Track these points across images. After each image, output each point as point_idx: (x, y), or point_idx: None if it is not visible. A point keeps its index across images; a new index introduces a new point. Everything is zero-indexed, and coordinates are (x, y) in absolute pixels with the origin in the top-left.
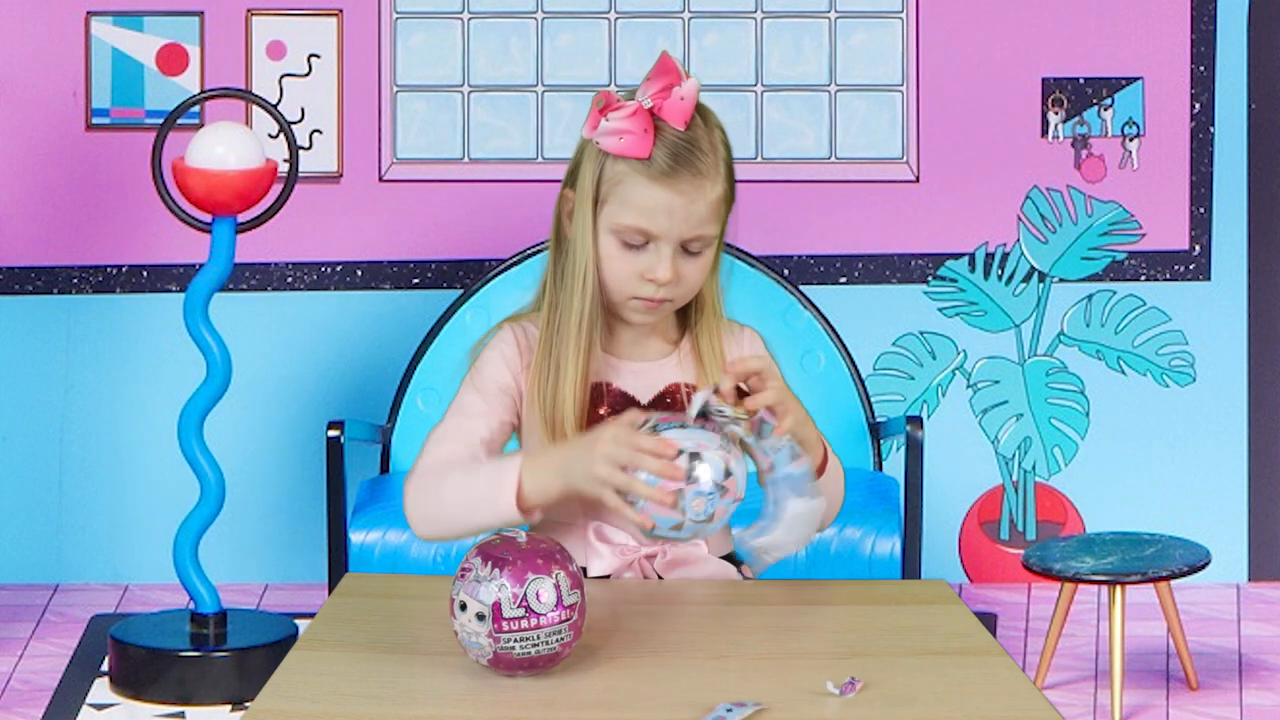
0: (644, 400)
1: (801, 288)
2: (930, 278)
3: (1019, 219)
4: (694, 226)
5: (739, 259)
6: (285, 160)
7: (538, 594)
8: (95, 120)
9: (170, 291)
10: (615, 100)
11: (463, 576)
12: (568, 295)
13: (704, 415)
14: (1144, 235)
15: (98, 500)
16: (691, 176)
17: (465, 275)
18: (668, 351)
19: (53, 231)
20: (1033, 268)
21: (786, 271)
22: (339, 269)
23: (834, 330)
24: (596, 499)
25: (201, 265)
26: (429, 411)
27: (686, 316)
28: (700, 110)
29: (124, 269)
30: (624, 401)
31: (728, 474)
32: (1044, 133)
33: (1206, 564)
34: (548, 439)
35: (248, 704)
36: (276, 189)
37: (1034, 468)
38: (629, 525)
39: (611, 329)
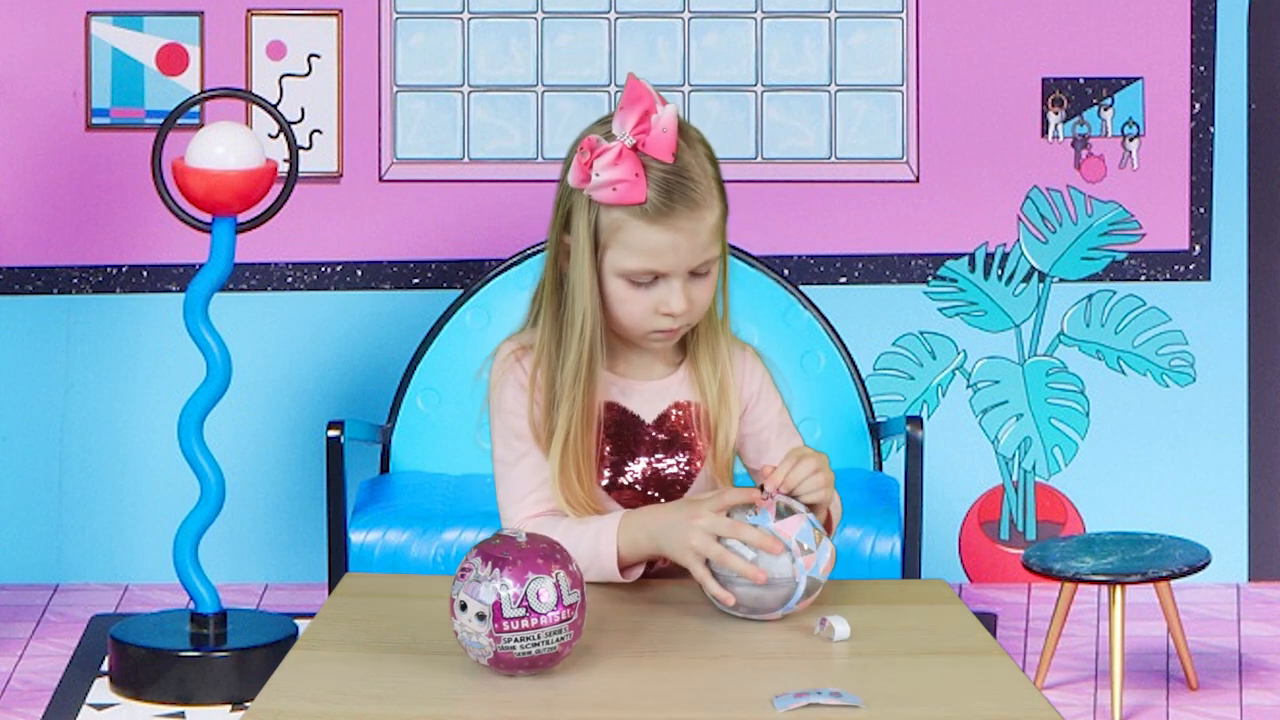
0: (648, 420)
1: (801, 288)
2: (930, 278)
3: (1019, 219)
4: (699, 254)
5: (739, 259)
6: (285, 160)
7: (538, 593)
8: (95, 120)
9: (170, 291)
10: (597, 144)
11: (463, 576)
12: (566, 343)
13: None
14: (1144, 235)
15: (98, 500)
16: (689, 210)
17: (465, 275)
18: (670, 371)
19: (53, 231)
20: (1033, 268)
21: (786, 271)
22: (339, 269)
23: (834, 330)
24: (682, 566)
25: (201, 265)
26: (429, 411)
27: (686, 335)
28: (681, 131)
29: (124, 269)
30: (629, 421)
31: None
32: (1044, 133)
33: (1206, 564)
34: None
35: (248, 704)
36: (276, 189)
37: (1034, 468)
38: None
39: (621, 351)
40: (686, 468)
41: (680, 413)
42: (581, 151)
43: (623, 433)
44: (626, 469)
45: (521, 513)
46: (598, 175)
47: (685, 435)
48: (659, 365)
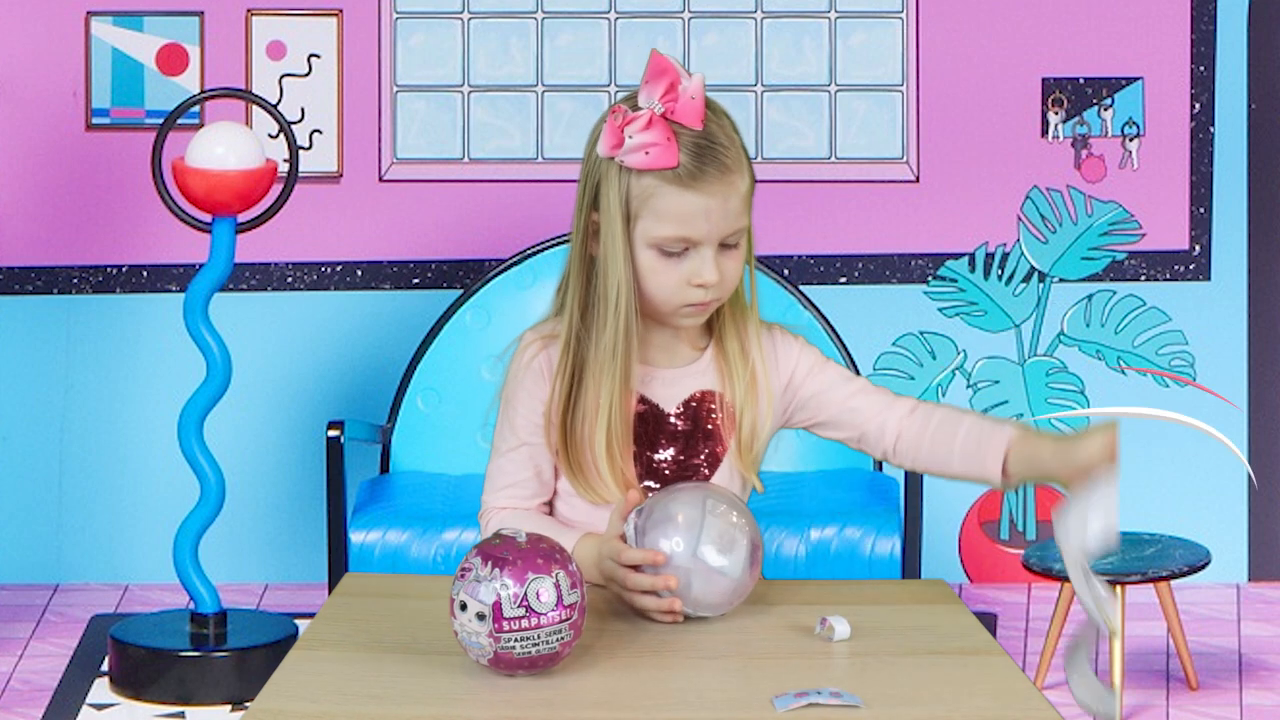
0: (670, 409)
1: (801, 288)
2: (930, 278)
3: (1019, 219)
4: (731, 222)
5: None
6: (285, 160)
7: (538, 593)
8: (95, 120)
9: (170, 291)
10: (626, 113)
11: (463, 576)
12: (599, 321)
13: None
14: (1144, 235)
15: (98, 500)
16: (720, 174)
17: (465, 275)
18: (696, 356)
19: (53, 231)
20: (1033, 268)
21: (786, 271)
22: (339, 269)
23: (834, 330)
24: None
25: (201, 265)
26: (429, 411)
27: (711, 319)
28: (707, 103)
29: (124, 269)
30: (651, 410)
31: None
32: (1044, 133)
33: (1206, 564)
34: (574, 466)
35: (248, 704)
36: (276, 189)
37: None
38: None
39: (644, 336)
40: (709, 458)
41: (704, 401)
42: (614, 115)
43: (644, 422)
44: (649, 459)
45: (495, 501)
46: (630, 139)
47: (708, 424)
48: (683, 350)
